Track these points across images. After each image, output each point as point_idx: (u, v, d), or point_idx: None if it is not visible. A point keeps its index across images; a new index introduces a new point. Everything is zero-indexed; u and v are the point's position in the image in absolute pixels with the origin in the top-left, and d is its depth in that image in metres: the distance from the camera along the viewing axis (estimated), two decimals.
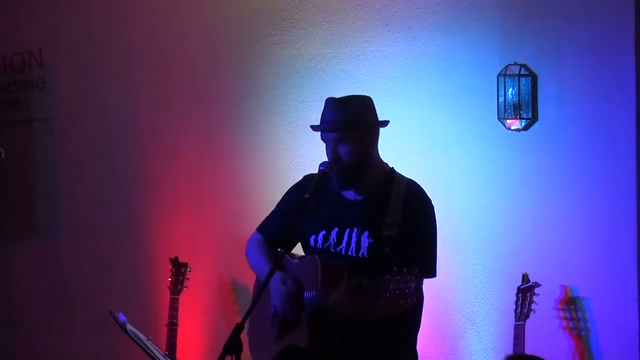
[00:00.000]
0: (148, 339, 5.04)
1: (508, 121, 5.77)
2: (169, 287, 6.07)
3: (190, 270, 6.09)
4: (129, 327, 4.85)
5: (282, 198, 4.72)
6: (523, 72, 5.72)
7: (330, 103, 4.50)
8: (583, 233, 5.72)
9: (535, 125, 5.79)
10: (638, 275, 5.64)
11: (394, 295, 4.06)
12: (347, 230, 4.47)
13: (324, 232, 4.50)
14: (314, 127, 4.54)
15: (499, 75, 5.77)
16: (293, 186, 4.70)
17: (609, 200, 5.67)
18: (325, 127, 4.47)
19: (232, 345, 3.94)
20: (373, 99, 4.58)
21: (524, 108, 5.73)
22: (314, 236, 4.52)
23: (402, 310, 4.16)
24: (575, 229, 5.73)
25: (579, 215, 5.73)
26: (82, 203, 6.47)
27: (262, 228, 4.72)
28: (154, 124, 6.40)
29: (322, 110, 4.55)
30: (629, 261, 5.64)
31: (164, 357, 5.37)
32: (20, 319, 6.55)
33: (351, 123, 4.43)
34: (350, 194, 4.53)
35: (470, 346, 5.89)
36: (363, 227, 4.44)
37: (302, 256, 4.58)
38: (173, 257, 6.15)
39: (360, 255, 4.43)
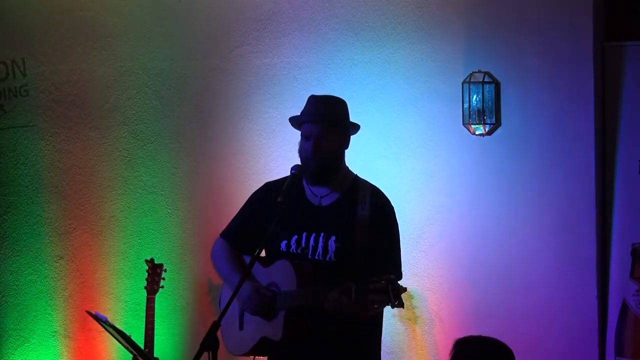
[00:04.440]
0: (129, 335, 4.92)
1: (472, 126, 5.75)
2: (145, 288, 5.96)
3: (166, 271, 6.02)
4: (109, 322, 4.74)
5: (245, 205, 4.64)
6: (487, 79, 5.73)
7: (316, 99, 4.46)
8: (545, 233, 5.71)
9: (499, 131, 5.78)
10: (597, 273, 5.65)
11: (373, 299, 4.04)
12: (313, 235, 4.40)
13: (296, 236, 4.43)
14: (294, 118, 4.48)
15: (464, 82, 5.77)
16: (254, 193, 4.64)
17: (569, 201, 5.68)
18: (311, 118, 4.40)
19: (209, 342, 3.89)
20: None
21: (488, 114, 5.74)
22: (285, 241, 4.45)
23: (378, 310, 4.27)
24: (537, 229, 5.72)
25: (541, 217, 5.72)
26: (63, 207, 6.35)
27: (225, 234, 4.65)
28: (133, 130, 6.32)
29: (294, 116, 4.50)
30: (589, 260, 5.65)
31: (143, 351, 5.26)
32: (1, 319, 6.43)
33: (337, 120, 4.40)
34: (313, 199, 4.45)
35: (437, 342, 5.84)
36: (330, 232, 4.38)
37: (270, 260, 4.49)
38: (149, 258, 6.05)
39: (327, 259, 4.38)
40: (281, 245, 4.44)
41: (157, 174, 6.30)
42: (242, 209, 4.63)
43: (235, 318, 4.52)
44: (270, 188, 4.52)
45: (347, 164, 4.51)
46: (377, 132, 5.84)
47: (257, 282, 4.42)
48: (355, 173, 4.51)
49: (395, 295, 3.98)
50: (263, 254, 4.49)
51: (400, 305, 4.01)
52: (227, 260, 4.57)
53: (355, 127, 4.48)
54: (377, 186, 4.51)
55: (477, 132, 5.74)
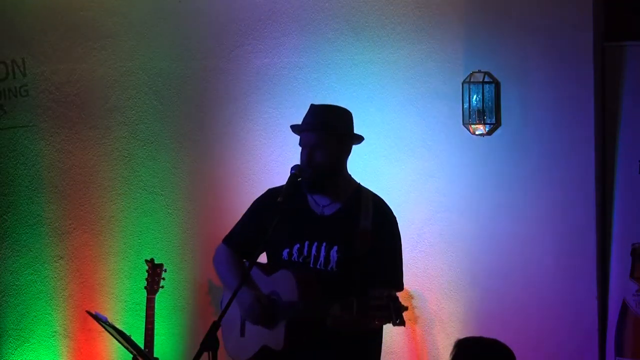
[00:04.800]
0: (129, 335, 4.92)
1: (472, 126, 5.73)
2: (145, 288, 5.94)
3: (166, 271, 6.00)
4: (109, 322, 4.72)
5: (247, 211, 4.64)
6: (487, 79, 5.70)
7: (314, 108, 4.46)
8: (544, 233, 5.70)
9: (499, 130, 5.77)
10: (597, 273, 5.63)
11: (374, 316, 4.04)
12: (315, 244, 4.39)
13: (297, 245, 4.42)
14: (294, 127, 4.48)
15: (464, 82, 5.75)
16: (257, 199, 4.63)
17: (569, 201, 5.66)
18: (306, 127, 4.41)
19: (209, 342, 3.89)
20: (343, 106, 4.51)
21: (488, 114, 5.71)
22: (287, 249, 4.44)
23: (379, 326, 4.27)
24: (537, 229, 5.70)
25: (540, 217, 5.71)
26: (63, 207, 6.33)
27: (228, 240, 4.65)
28: (133, 130, 6.31)
29: (295, 116, 4.55)
30: (589, 260, 5.63)
31: (143, 351, 5.25)
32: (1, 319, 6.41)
33: (331, 128, 4.38)
34: (316, 208, 4.42)
35: (437, 342, 5.81)
36: (332, 242, 4.37)
37: (272, 268, 4.48)
38: (149, 258, 6.03)
39: (329, 269, 4.36)
40: (283, 253, 4.43)
41: (157, 174, 6.28)
42: (244, 214, 4.62)
43: (236, 324, 4.52)
44: (273, 194, 4.50)
45: (349, 171, 4.49)
46: (377, 132, 5.82)
47: (258, 290, 4.41)
48: (358, 182, 4.50)
49: (396, 314, 3.97)
50: (264, 258, 4.48)
51: (402, 323, 4.00)
52: (228, 265, 4.57)
53: (359, 138, 4.46)
54: (380, 195, 4.49)
55: (477, 132, 5.72)
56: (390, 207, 4.49)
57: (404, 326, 4.05)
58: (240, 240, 4.56)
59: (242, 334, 4.50)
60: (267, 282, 4.43)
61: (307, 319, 4.26)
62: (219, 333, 3.94)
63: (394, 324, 4.01)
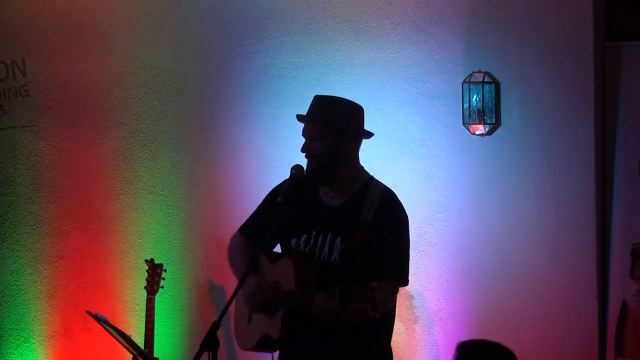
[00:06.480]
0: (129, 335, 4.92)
1: (472, 126, 5.72)
2: (145, 288, 5.94)
3: (166, 271, 6.00)
4: (109, 322, 4.73)
5: (263, 200, 4.63)
6: (487, 79, 5.69)
7: (316, 99, 4.45)
8: (544, 233, 5.68)
9: (499, 130, 5.75)
10: (597, 274, 5.61)
11: (355, 307, 4.07)
12: (322, 235, 4.38)
13: (305, 235, 4.42)
14: (298, 117, 4.48)
15: (464, 82, 5.73)
16: (274, 188, 4.61)
17: (569, 201, 5.65)
18: (301, 117, 4.42)
19: (209, 342, 3.89)
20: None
21: (488, 114, 5.70)
22: (295, 239, 4.44)
23: (362, 318, 4.20)
24: (537, 229, 5.69)
25: (540, 217, 5.69)
26: (63, 207, 6.33)
27: (243, 228, 4.64)
28: (133, 130, 6.32)
29: (294, 116, 4.50)
30: (588, 260, 5.61)
31: (143, 351, 5.25)
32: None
33: (330, 121, 4.35)
34: (325, 199, 4.44)
35: (437, 342, 5.81)
36: (336, 233, 4.36)
37: (278, 256, 4.49)
38: (149, 258, 6.03)
39: (332, 259, 4.35)
40: (291, 242, 4.43)
41: (157, 174, 6.28)
42: (260, 204, 4.62)
43: (245, 312, 4.53)
44: None
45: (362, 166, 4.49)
46: (377, 132, 5.69)
47: (261, 279, 4.41)
48: (371, 175, 4.48)
49: (372, 305, 3.96)
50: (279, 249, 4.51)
51: (378, 315, 4.03)
52: (239, 254, 4.57)
53: (366, 133, 4.45)
54: (391, 189, 4.46)
55: (477, 132, 5.72)
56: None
57: (379, 318, 4.08)
58: (255, 229, 4.55)
59: (249, 321, 4.52)
60: (271, 271, 4.44)
61: (303, 308, 4.25)
62: (230, 323, 3.94)
63: (371, 316, 4.03)
